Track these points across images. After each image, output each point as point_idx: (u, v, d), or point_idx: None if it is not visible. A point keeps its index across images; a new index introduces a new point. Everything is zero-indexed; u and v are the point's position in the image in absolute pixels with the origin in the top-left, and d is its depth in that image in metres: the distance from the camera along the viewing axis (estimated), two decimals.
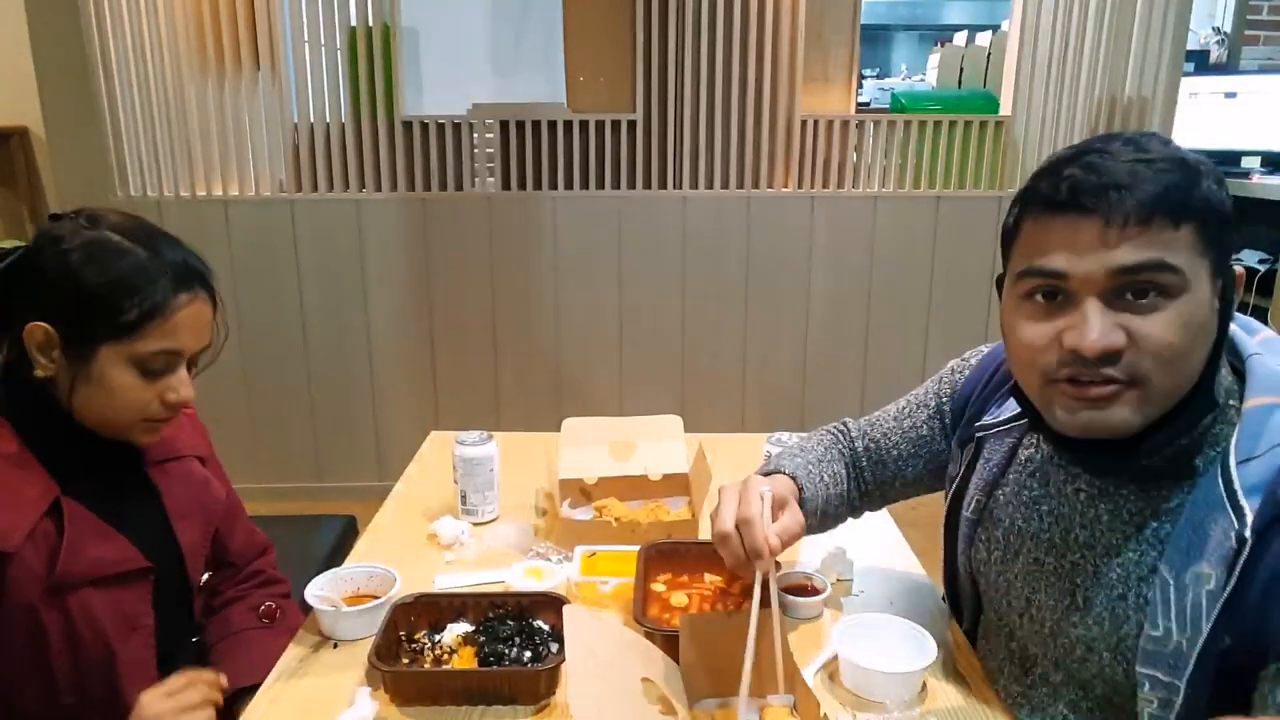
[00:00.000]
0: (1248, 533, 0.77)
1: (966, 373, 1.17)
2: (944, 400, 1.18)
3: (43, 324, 1.05)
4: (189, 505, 1.23)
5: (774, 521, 1.00)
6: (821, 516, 1.16)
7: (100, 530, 1.10)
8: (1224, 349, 0.86)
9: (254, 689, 1.06)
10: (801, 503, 1.10)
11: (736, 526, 0.99)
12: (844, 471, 1.21)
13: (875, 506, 1.27)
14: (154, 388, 1.08)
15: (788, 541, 1.01)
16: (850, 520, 1.25)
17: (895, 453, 1.21)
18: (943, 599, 1.23)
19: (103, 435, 1.12)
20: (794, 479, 1.12)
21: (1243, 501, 0.79)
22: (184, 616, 1.24)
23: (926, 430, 1.19)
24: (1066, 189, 0.82)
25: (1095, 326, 0.81)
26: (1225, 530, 0.79)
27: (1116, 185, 0.80)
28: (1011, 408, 1.03)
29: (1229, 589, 0.78)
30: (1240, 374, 0.88)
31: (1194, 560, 0.81)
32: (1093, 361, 0.81)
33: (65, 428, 1.10)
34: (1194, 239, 0.80)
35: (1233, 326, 0.90)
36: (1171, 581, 0.82)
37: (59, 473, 1.08)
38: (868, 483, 1.23)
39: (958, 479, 1.11)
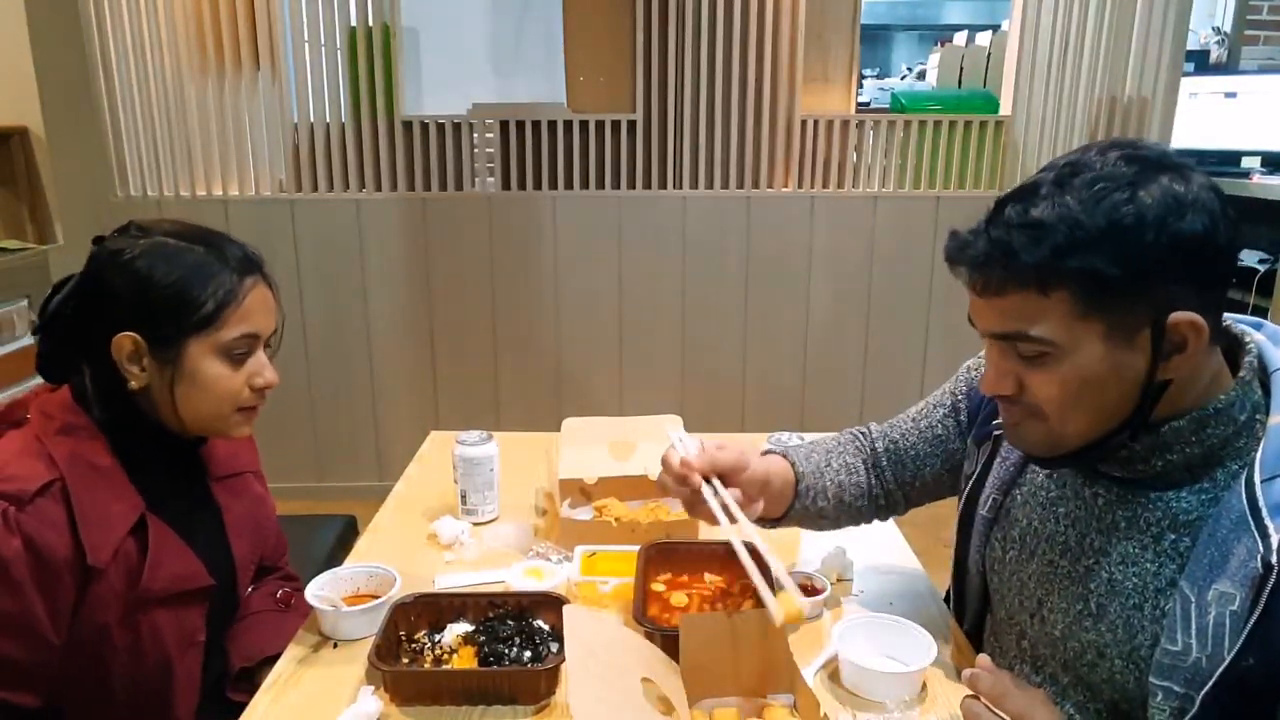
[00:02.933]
0: (1274, 559, 0.76)
1: (981, 370, 1.16)
2: (960, 398, 1.18)
3: (128, 334, 1.06)
4: (245, 522, 1.26)
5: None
6: (836, 503, 1.18)
7: (177, 547, 1.12)
8: (1191, 381, 0.84)
9: (274, 660, 1.09)
10: (798, 477, 1.15)
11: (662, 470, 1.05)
12: (861, 466, 1.22)
13: (900, 509, 1.26)
14: (241, 374, 1.12)
15: (708, 464, 1.02)
16: (877, 522, 1.26)
17: (913, 453, 1.21)
18: (945, 598, 1.23)
19: (194, 436, 1.14)
20: (785, 456, 1.16)
21: (1268, 522, 0.78)
22: (225, 630, 1.25)
23: (942, 429, 1.19)
24: (950, 249, 0.87)
25: (987, 374, 0.90)
26: (1250, 551, 0.78)
27: (977, 259, 0.83)
28: None
29: (1256, 614, 0.77)
30: (1268, 388, 0.86)
31: (1216, 578, 0.81)
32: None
33: (153, 441, 1.12)
34: (1070, 304, 0.80)
35: (1260, 336, 0.89)
36: (1193, 598, 0.82)
37: (142, 486, 1.10)
38: (889, 482, 1.23)
39: (974, 477, 1.11)
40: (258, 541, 1.29)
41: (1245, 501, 0.80)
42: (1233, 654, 0.78)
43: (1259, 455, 0.81)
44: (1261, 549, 0.77)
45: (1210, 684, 0.79)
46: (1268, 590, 0.76)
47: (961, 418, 1.18)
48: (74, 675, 1.07)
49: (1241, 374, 0.86)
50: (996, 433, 1.08)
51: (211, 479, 1.23)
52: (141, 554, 1.07)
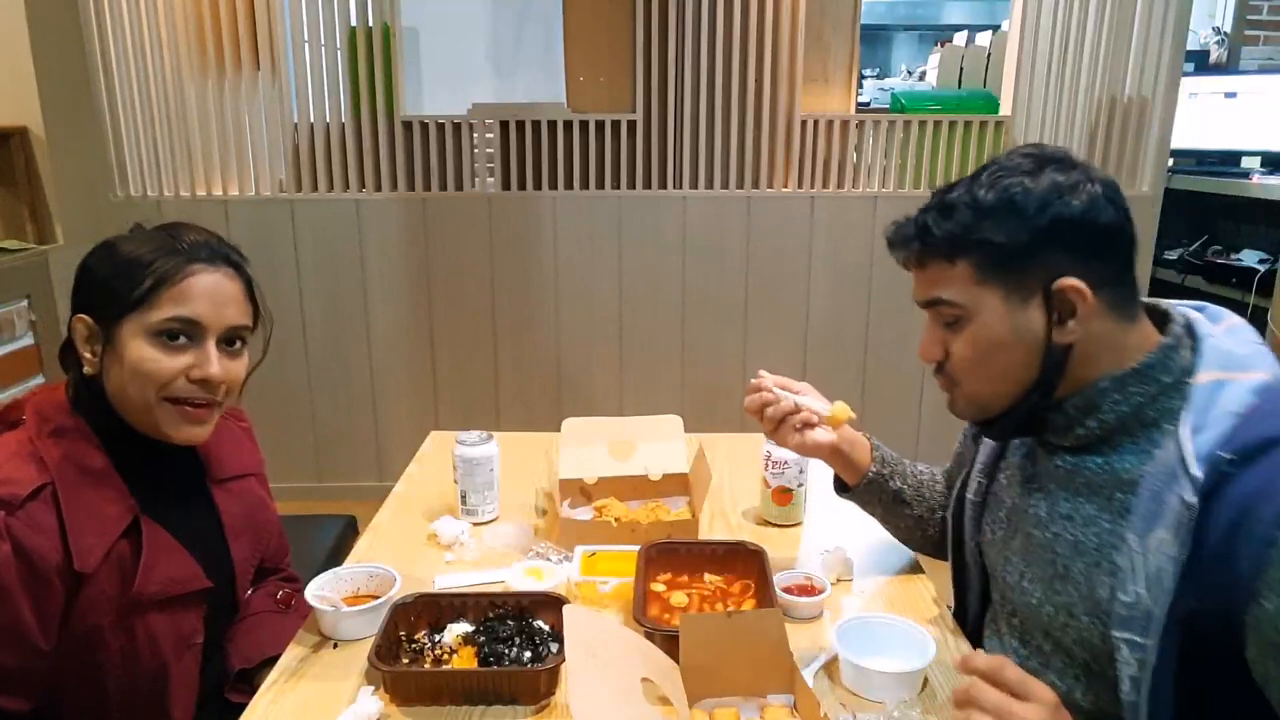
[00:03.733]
0: (1194, 498, 0.83)
1: None
2: None
3: (81, 316, 1.06)
4: (245, 525, 1.25)
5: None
6: (916, 494, 1.29)
7: (172, 549, 1.11)
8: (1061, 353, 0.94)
9: (273, 661, 1.08)
10: (873, 447, 1.29)
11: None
12: (941, 479, 1.33)
13: None
14: (176, 361, 1.06)
15: (780, 380, 1.23)
16: (929, 547, 1.33)
17: (953, 475, 1.28)
18: (948, 608, 1.23)
19: (145, 432, 1.10)
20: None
21: (1194, 470, 0.84)
22: (225, 632, 1.25)
23: (961, 448, 1.28)
24: (888, 233, 1.02)
25: (922, 343, 1.02)
26: (1180, 496, 0.84)
27: (903, 238, 0.99)
28: None
29: (1186, 552, 0.83)
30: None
31: (1154, 527, 0.87)
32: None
33: (144, 442, 1.10)
34: (970, 271, 0.94)
35: (1197, 315, 0.97)
36: (1137, 549, 0.88)
37: (137, 488, 1.09)
38: (935, 503, 1.31)
39: (966, 469, 1.18)
40: (258, 544, 1.28)
41: (1176, 454, 0.87)
42: (1172, 596, 0.84)
43: (1186, 412, 0.89)
44: (1187, 492, 0.84)
45: (1160, 630, 0.85)
46: (1190, 527, 0.83)
47: (968, 429, 1.25)
48: (68, 678, 1.06)
49: (1164, 340, 0.94)
50: None
51: (211, 481, 1.22)
52: (135, 557, 1.06)
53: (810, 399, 1.22)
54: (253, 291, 1.14)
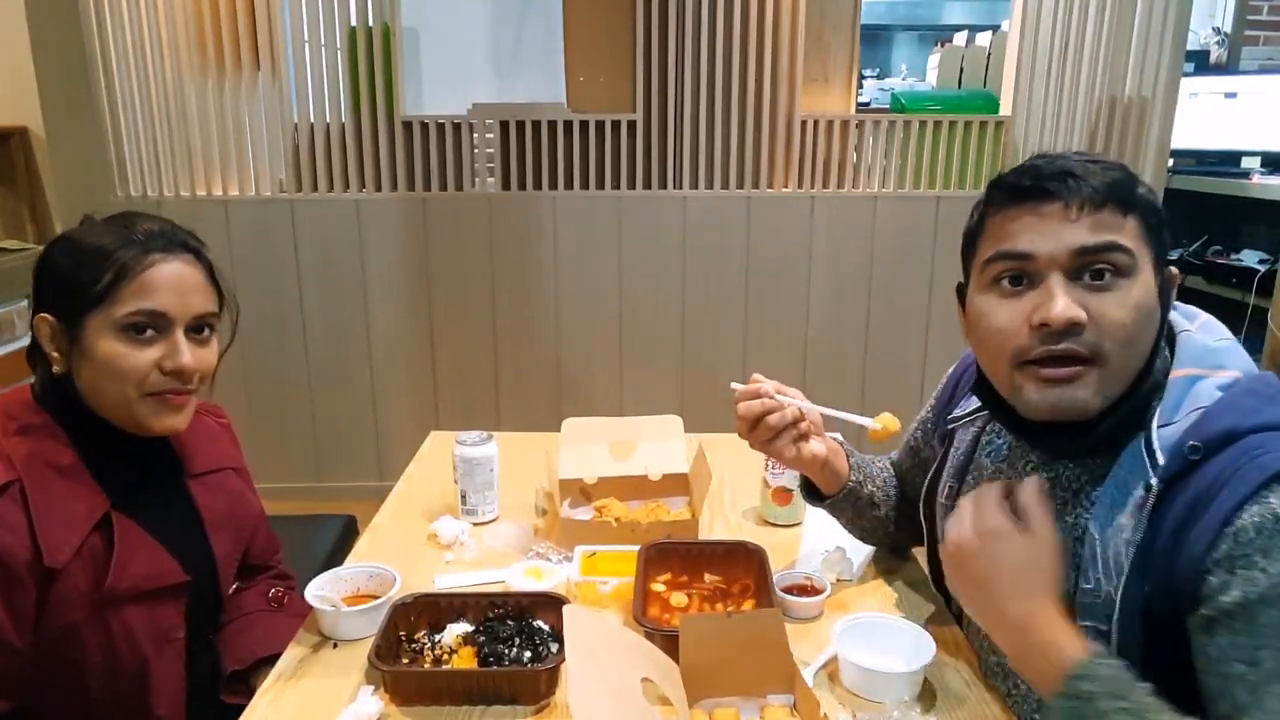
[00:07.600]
0: (1154, 481, 0.84)
1: (944, 379, 1.25)
2: (928, 410, 1.27)
3: (44, 315, 1.06)
4: (224, 518, 1.24)
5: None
6: (884, 496, 1.27)
7: (146, 544, 1.10)
8: (1163, 338, 0.93)
9: (270, 661, 1.08)
10: (848, 453, 1.24)
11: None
12: (893, 474, 1.32)
13: (912, 530, 1.28)
14: (147, 355, 1.05)
15: (775, 386, 1.15)
16: (889, 540, 1.31)
17: (904, 466, 1.30)
18: (948, 608, 1.23)
19: (121, 427, 1.10)
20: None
21: (1160, 458, 0.86)
22: (211, 627, 1.25)
23: (914, 441, 1.28)
24: (1030, 177, 0.91)
25: (1060, 299, 0.87)
26: (1143, 483, 0.85)
27: (1073, 174, 0.89)
28: (977, 400, 1.08)
29: (1141, 535, 0.85)
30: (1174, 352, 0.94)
31: (1116, 514, 0.87)
32: (1059, 333, 0.87)
33: (113, 437, 1.10)
34: (1139, 228, 0.89)
35: (1172, 314, 0.97)
36: (1098, 537, 0.89)
37: (108, 484, 1.08)
38: (895, 499, 1.30)
39: (933, 470, 1.18)
40: (239, 538, 1.28)
41: (1144, 445, 0.88)
42: (1127, 579, 0.84)
43: (1159, 406, 0.89)
44: (1150, 479, 0.85)
45: (1116, 610, 0.85)
46: (1148, 510, 0.84)
47: (929, 425, 1.25)
48: (47, 675, 1.06)
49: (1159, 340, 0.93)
50: (950, 425, 1.15)
51: (187, 476, 1.21)
52: (108, 552, 1.06)
53: (807, 404, 1.16)
54: (214, 277, 1.14)
